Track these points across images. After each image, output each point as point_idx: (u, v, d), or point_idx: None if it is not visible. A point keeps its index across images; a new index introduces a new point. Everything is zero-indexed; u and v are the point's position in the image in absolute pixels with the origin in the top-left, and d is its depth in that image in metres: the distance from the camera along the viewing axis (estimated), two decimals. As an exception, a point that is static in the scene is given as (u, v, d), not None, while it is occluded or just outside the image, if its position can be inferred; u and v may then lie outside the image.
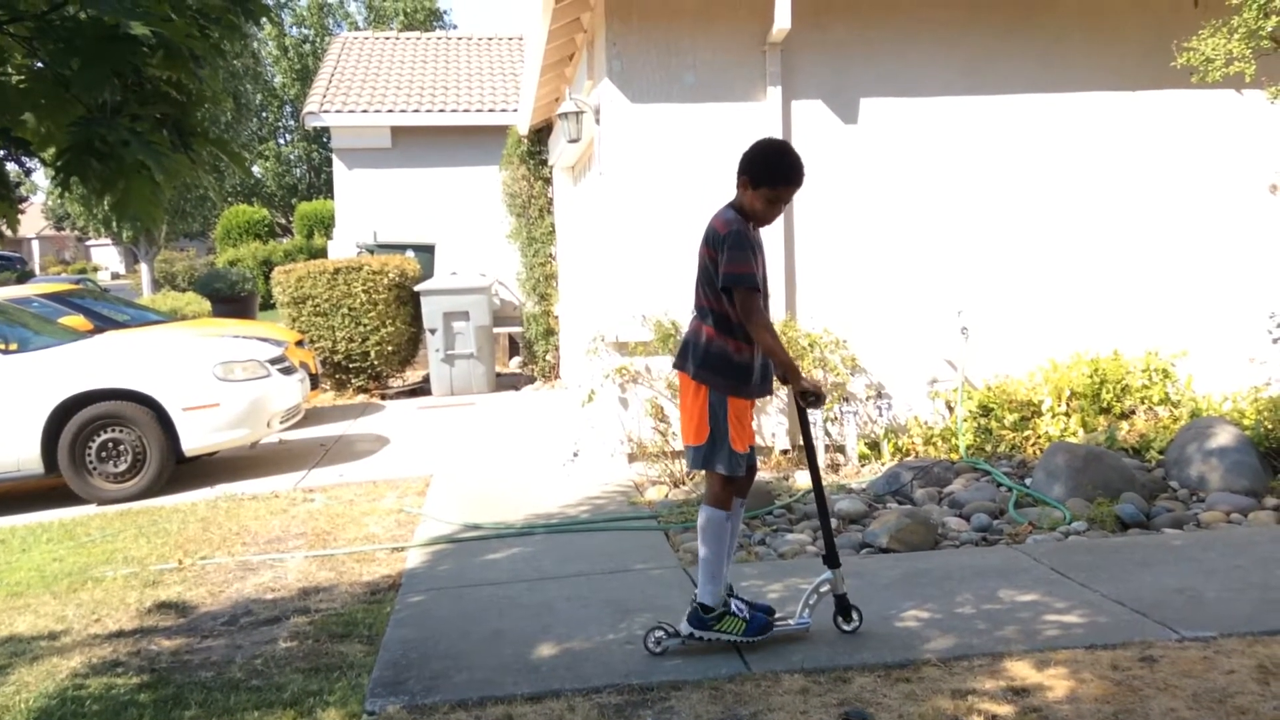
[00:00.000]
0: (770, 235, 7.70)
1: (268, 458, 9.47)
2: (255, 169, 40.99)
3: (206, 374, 8.52)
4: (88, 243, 61.34)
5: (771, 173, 4.14)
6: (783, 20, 7.41)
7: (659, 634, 4.27)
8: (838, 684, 3.89)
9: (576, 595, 5.06)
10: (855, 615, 4.37)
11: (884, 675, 3.95)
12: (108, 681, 4.34)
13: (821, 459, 7.59)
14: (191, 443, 8.37)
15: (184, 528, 6.98)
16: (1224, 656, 3.92)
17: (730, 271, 4.09)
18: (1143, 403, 7.48)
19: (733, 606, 4.28)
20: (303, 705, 3.96)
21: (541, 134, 13.54)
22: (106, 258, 63.08)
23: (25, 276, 35.17)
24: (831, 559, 4.34)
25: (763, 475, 7.36)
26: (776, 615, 4.40)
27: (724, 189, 7.75)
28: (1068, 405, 7.39)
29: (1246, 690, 3.60)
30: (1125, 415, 7.42)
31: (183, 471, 8.66)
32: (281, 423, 9.07)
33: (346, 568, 5.84)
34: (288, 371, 9.30)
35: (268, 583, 5.63)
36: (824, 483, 7.11)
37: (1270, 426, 6.49)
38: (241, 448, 9.23)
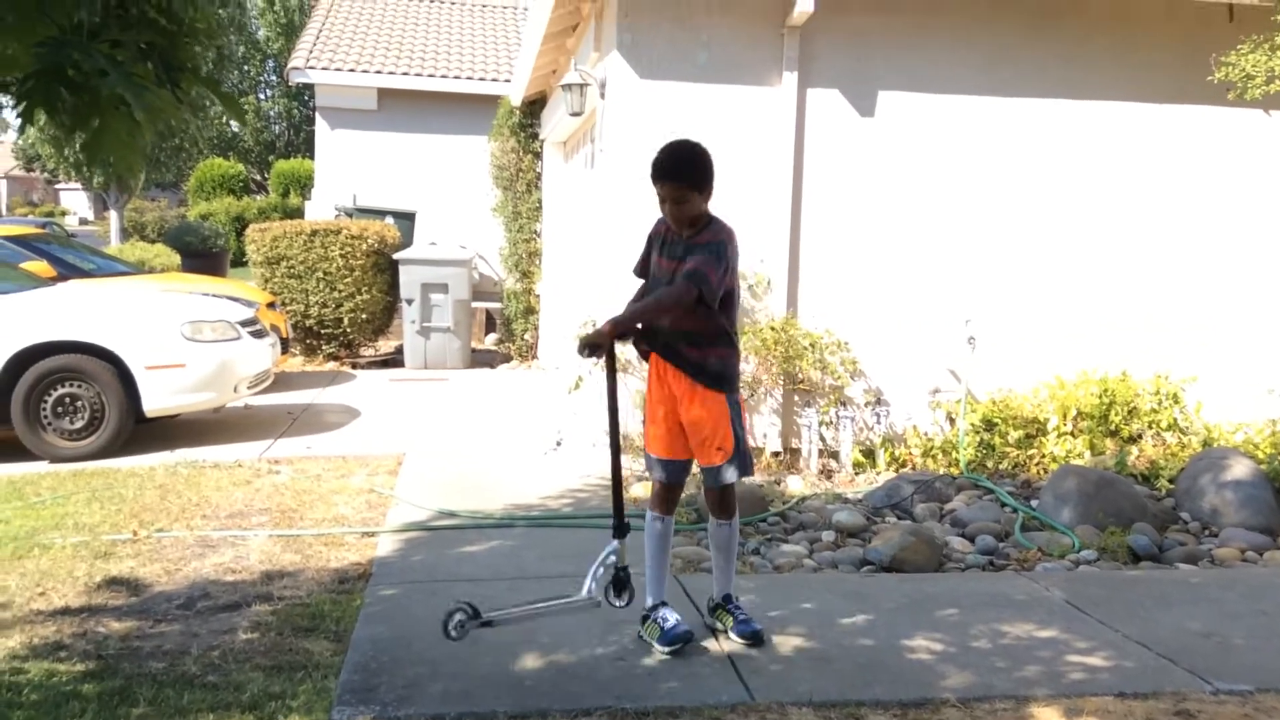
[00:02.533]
0: (776, 229, 7.43)
1: (232, 423, 9.04)
2: (233, 123, 40.15)
3: (173, 332, 8.09)
4: (57, 186, 60.03)
5: (651, 172, 4.09)
6: (805, 3, 7.06)
7: (459, 616, 3.92)
8: (850, 722, 3.58)
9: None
10: (628, 594, 4.20)
11: (900, 714, 3.64)
12: (49, 667, 3.96)
13: (815, 462, 7.29)
14: (153, 403, 7.95)
15: (140, 494, 6.57)
16: (1265, 715, 3.64)
17: None
18: (1150, 427, 7.22)
19: (654, 615, 4.18)
20: (264, 710, 3.60)
21: (534, 106, 13.12)
22: (75, 202, 61.75)
23: (-10, 216, 34.30)
24: (620, 530, 4.14)
25: (754, 479, 7.04)
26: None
27: (731, 175, 7.33)
28: (1074, 425, 7.12)
29: (1300, 760, 3.33)
30: (1133, 439, 7.16)
31: (142, 432, 8.21)
32: (249, 388, 8.65)
33: (313, 551, 5.46)
34: (259, 335, 8.88)
35: (228, 563, 5.25)
36: (819, 489, 6.84)
37: (1287, 462, 6.24)
38: (205, 411, 8.81)
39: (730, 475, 4.13)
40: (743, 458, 4.15)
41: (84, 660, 4.02)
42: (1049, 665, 4.07)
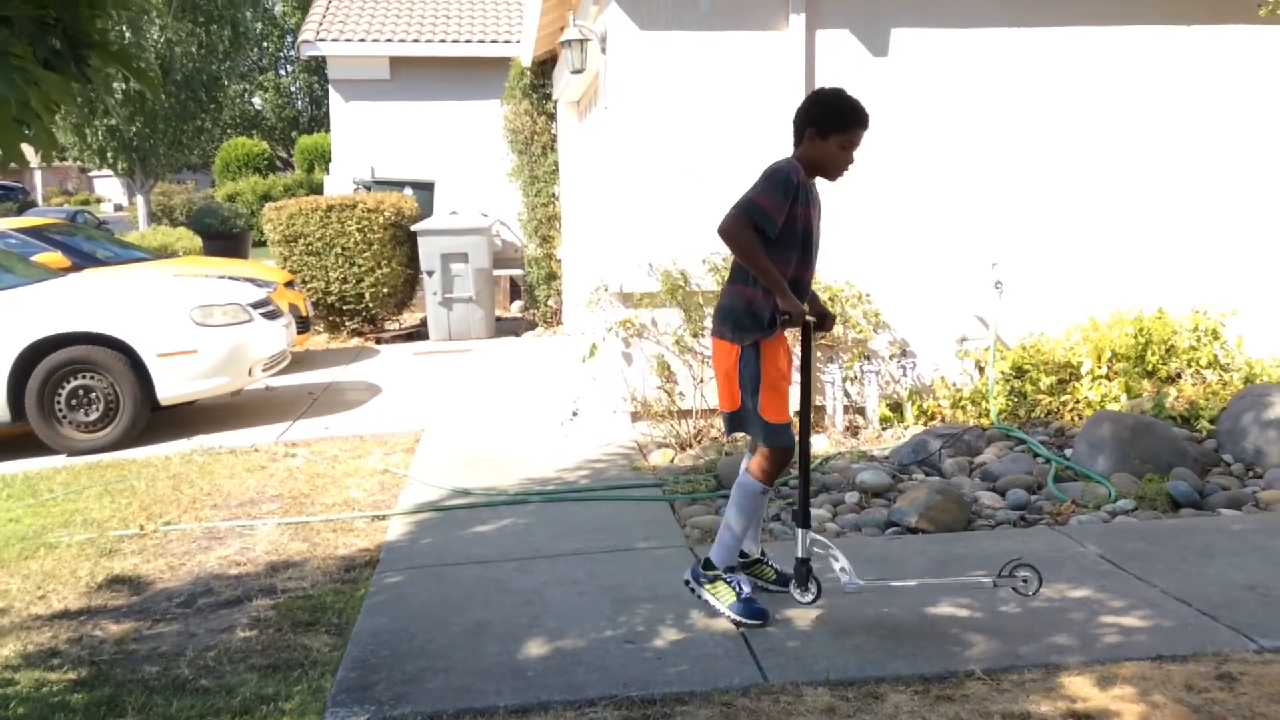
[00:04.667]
0: (789, 178, 7.11)
1: (251, 406, 8.95)
2: (255, 100, 40.09)
3: (183, 318, 7.97)
4: (90, 173, 60.45)
5: (840, 117, 3.91)
6: (809, -61, 6.75)
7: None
8: (869, 701, 3.37)
9: (571, 579, 4.54)
10: (814, 586, 4.02)
11: (922, 690, 3.43)
12: (40, 676, 3.84)
13: (840, 419, 7.05)
14: (167, 391, 7.85)
15: (152, 486, 6.47)
16: (1315, 676, 3.40)
17: (744, 197, 3.88)
18: (1189, 365, 6.90)
19: (728, 577, 4.04)
20: (254, 714, 3.46)
21: (545, 66, 12.83)
22: (109, 189, 62.11)
23: (26, 207, 34.50)
24: (803, 519, 3.96)
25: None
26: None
27: (741, 125, 7.09)
28: (1109, 368, 6.81)
29: (1353, 726, 3.08)
30: (1171, 379, 6.85)
31: (161, 419, 8.13)
32: (264, 370, 8.53)
33: (322, 538, 5.32)
34: (272, 315, 8.75)
35: (233, 555, 5.12)
36: (844, 447, 6.61)
37: (1336, 396, 5.91)
38: (223, 395, 8.71)
39: None
40: None
41: (76, 667, 3.90)
42: (1082, 629, 3.84)
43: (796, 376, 4.01)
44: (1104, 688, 3.38)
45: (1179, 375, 6.89)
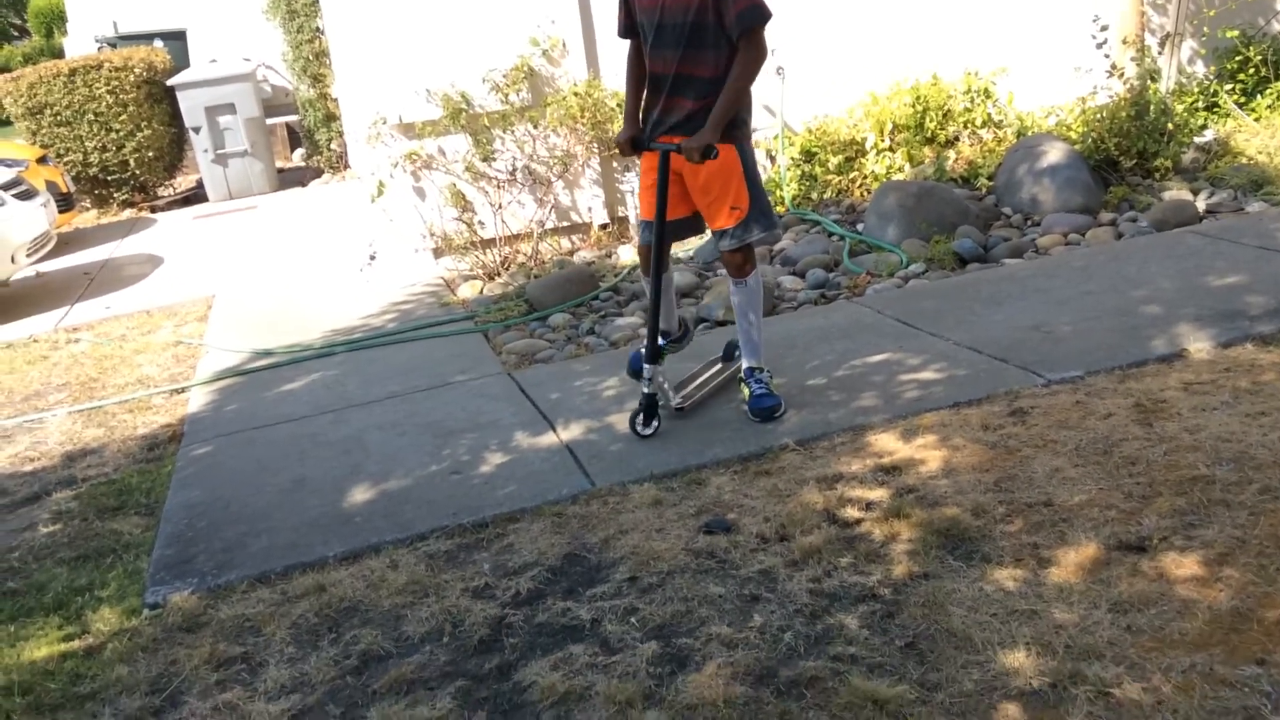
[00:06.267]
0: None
1: (23, 296, 8.29)
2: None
3: (-77, 211, 7.26)
4: None
5: None
6: None
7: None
8: (693, 488, 3.47)
9: (390, 422, 4.46)
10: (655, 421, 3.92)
11: (741, 470, 3.54)
12: None
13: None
14: (-80, 292, 7.21)
15: (-77, 394, 5.98)
16: (1097, 398, 3.65)
17: None
18: (966, 127, 7.11)
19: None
20: (69, 607, 3.30)
21: (288, -114, 11.83)
22: None
23: None
24: (651, 355, 3.88)
25: (584, 255, 6.79)
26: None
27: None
28: (891, 140, 6.96)
29: (1131, 435, 3.33)
30: (950, 143, 7.05)
31: (-80, 325, 7.47)
32: (28, 256, 7.89)
33: (118, 421, 5.05)
34: (26, 196, 8.05)
35: (24, 452, 4.81)
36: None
37: (1099, 138, 6.22)
38: (-12, 289, 8.05)
39: (753, 232, 3.80)
40: (761, 212, 3.79)
41: None
42: (884, 389, 4.01)
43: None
44: (908, 440, 3.56)
45: (957, 138, 7.09)
